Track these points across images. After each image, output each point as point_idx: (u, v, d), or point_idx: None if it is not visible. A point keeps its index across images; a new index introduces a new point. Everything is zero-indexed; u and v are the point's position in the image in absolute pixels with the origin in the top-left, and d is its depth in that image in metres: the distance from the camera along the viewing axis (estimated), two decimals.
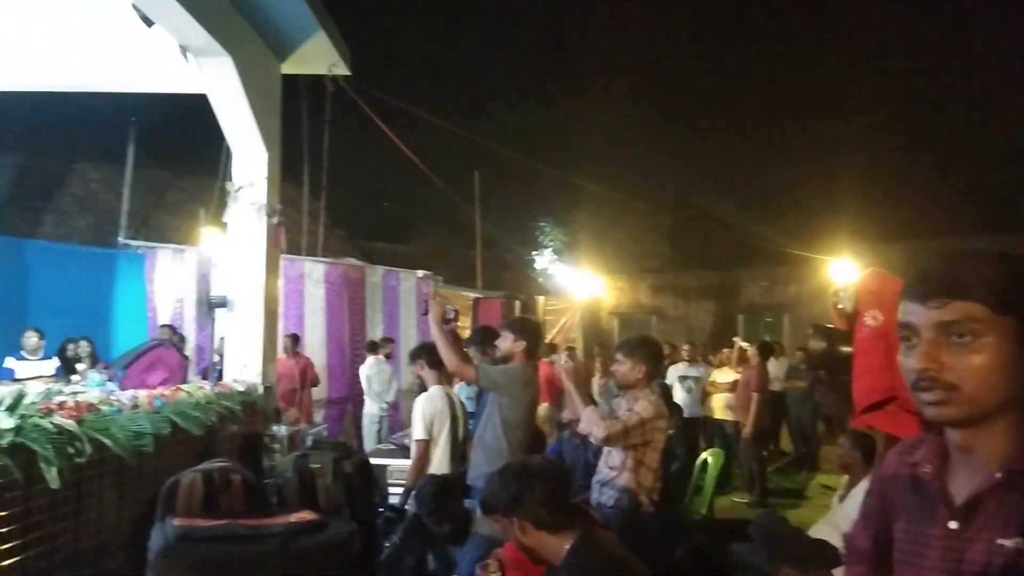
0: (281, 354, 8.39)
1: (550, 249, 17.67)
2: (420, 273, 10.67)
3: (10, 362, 6.88)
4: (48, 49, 6.52)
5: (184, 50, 5.56)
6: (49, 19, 5.96)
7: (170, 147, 9.60)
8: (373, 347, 9.29)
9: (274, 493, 3.66)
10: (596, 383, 9.76)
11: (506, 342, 4.00)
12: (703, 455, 6.35)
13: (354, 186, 10.63)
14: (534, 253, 17.56)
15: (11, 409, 3.13)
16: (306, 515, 3.18)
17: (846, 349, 2.67)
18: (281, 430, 5.67)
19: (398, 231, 11.86)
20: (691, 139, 18.67)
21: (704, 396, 8.99)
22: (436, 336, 3.92)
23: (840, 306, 2.67)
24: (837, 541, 2.10)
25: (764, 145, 18.24)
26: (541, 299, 15.41)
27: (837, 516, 3.61)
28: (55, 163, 9.43)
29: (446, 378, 4.67)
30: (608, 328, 18.36)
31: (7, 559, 3.03)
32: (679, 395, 8.68)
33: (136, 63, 6.63)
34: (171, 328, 8.25)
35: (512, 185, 15.15)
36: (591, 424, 3.40)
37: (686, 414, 7.91)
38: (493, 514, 2.43)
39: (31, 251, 8.64)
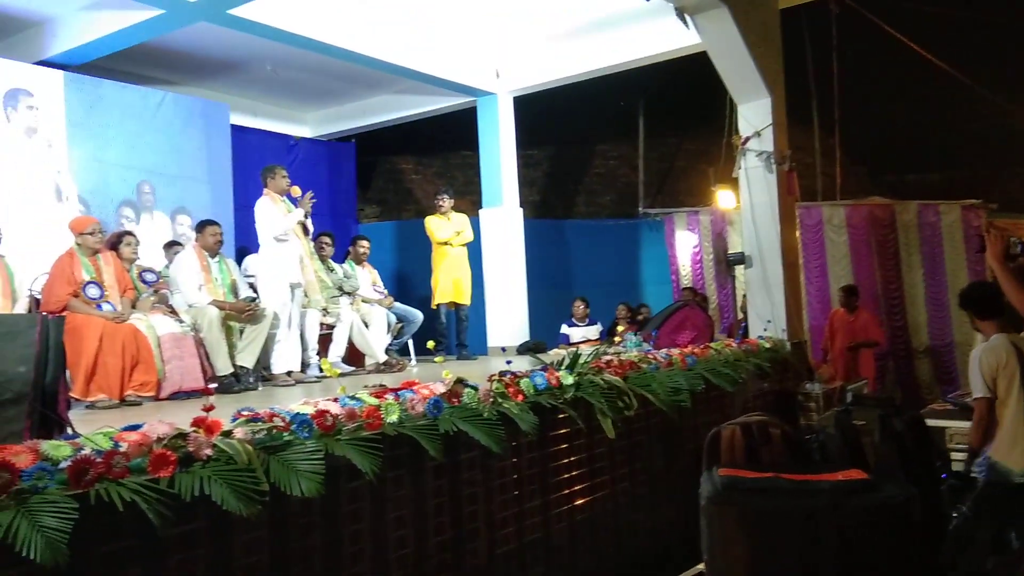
0: (838, 307, 8.22)
1: None
2: (965, 203, 9.27)
3: (564, 328, 8.23)
4: (569, 43, 7.57)
5: (680, 12, 5.81)
6: (567, 16, 6.92)
7: (674, 114, 10.19)
8: None
9: (816, 450, 3.62)
10: None
11: None
12: None
13: (873, 114, 9.75)
14: None
15: (571, 368, 3.71)
16: (855, 474, 3.07)
17: None
18: (815, 387, 5.56)
19: (933, 157, 10.43)
20: None
21: None
22: (999, 275, 3.35)
23: None
24: None
25: None
26: None
27: None
28: (580, 148, 10.89)
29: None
30: None
31: (580, 499, 3.62)
32: None
33: (637, 36, 7.22)
34: (692, 290, 8.78)
35: None
36: None
37: None
38: None
39: (569, 230, 10.18)
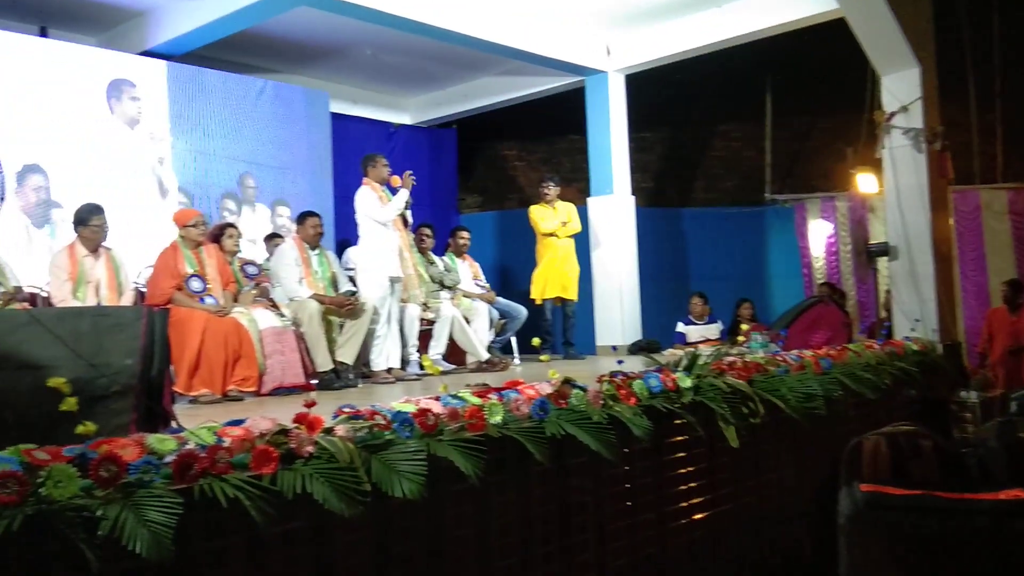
0: (999, 305, 7.78)
1: None
2: None
3: (680, 327, 8.07)
4: (685, 14, 7.43)
5: None
6: None
7: (807, 89, 9.81)
8: None
9: (974, 465, 3.41)
10: None
11: None
12: None
13: None
14: None
15: (689, 369, 3.64)
16: (1021, 492, 2.88)
17: None
18: (971, 395, 5.26)
19: None
20: None
21: None
22: None
23: None
24: None
25: None
26: None
27: None
28: (699, 129, 10.65)
29: None
30: None
31: (699, 513, 3.54)
32: None
33: (763, 3, 7.02)
34: (830, 285, 8.45)
35: None
36: None
37: None
38: None
39: (686, 219, 9.99)
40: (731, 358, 4.04)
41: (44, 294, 5.15)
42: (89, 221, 4.92)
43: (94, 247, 4.95)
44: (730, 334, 7.56)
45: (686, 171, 10.80)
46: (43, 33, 6.80)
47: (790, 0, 6.81)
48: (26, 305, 4.59)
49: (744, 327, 5.42)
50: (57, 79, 6.23)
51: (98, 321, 2.27)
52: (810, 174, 10.15)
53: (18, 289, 4.65)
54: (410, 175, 5.78)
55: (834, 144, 9.60)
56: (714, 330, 7.91)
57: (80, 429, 1.84)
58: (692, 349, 4.56)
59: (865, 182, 7.29)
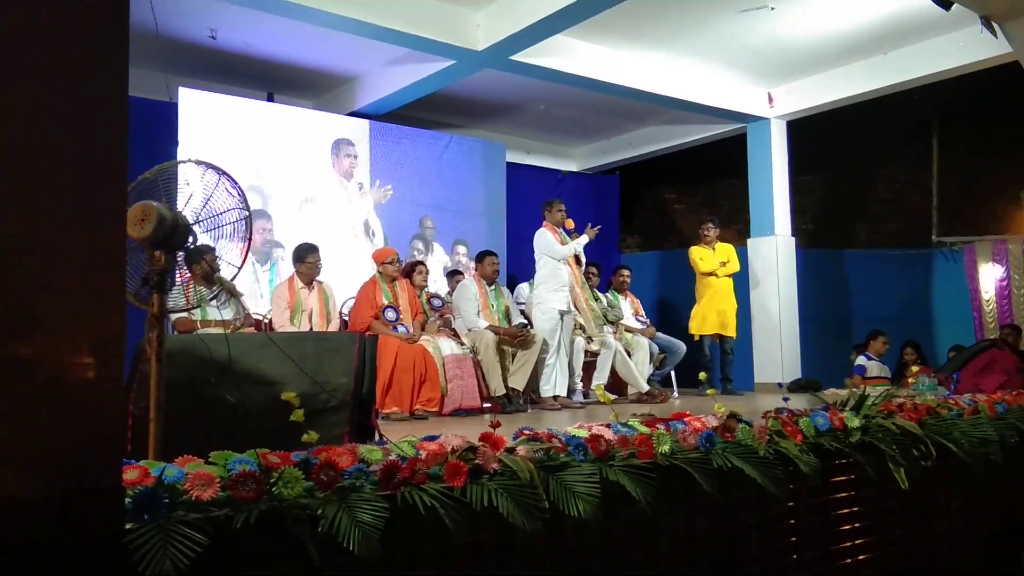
0: None
1: None
2: None
3: (862, 360, 7.40)
4: (849, 62, 7.11)
5: (986, 20, 5.22)
6: (846, 34, 6.51)
7: (975, 132, 9.09)
8: None
9: None
10: None
11: None
12: None
13: None
14: None
15: (857, 409, 3.42)
16: None
17: None
18: None
19: None
20: None
21: None
22: None
23: None
24: None
25: None
26: None
27: None
28: (861, 173, 10.07)
29: None
30: None
31: (864, 553, 3.29)
32: None
33: (928, 50, 6.62)
34: (1016, 328, 7.67)
35: None
36: None
37: None
38: None
39: (848, 260, 9.44)
40: (900, 400, 3.77)
41: (266, 321, 5.59)
42: (306, 258, 5.31)
43: (309, 281, 5.34)
44: (895, 376, 7.05)
45: (848, 214, 10.24)
46: (270, 98, 7.47)
47: (959, 46, 6.37)
48: (252, 330, 5.00)
49: (914, 369, 5.01)
50: (282, 137, 6.82)
51: (319, 344, 2.45)
52: (980, 217, 9.34)
53: (248, 316, 5.09)
54: (591, 228, 5.94)
55: (1006, 187, 8.81)
56: (887, 370, 7.42)
57: (305, 438, 1.96)
58: (864, 386, 4.29)
59: None
